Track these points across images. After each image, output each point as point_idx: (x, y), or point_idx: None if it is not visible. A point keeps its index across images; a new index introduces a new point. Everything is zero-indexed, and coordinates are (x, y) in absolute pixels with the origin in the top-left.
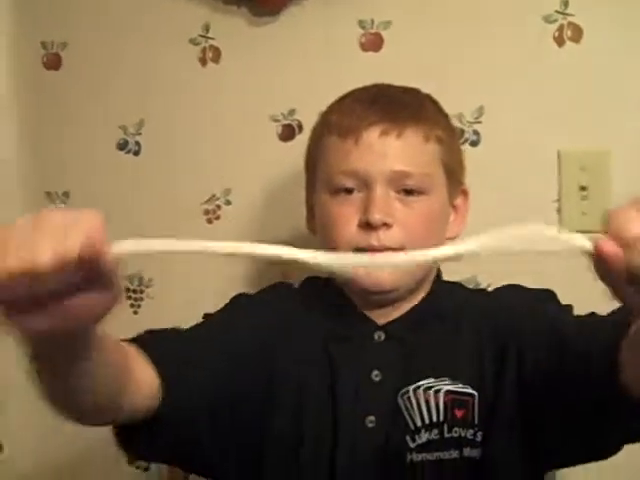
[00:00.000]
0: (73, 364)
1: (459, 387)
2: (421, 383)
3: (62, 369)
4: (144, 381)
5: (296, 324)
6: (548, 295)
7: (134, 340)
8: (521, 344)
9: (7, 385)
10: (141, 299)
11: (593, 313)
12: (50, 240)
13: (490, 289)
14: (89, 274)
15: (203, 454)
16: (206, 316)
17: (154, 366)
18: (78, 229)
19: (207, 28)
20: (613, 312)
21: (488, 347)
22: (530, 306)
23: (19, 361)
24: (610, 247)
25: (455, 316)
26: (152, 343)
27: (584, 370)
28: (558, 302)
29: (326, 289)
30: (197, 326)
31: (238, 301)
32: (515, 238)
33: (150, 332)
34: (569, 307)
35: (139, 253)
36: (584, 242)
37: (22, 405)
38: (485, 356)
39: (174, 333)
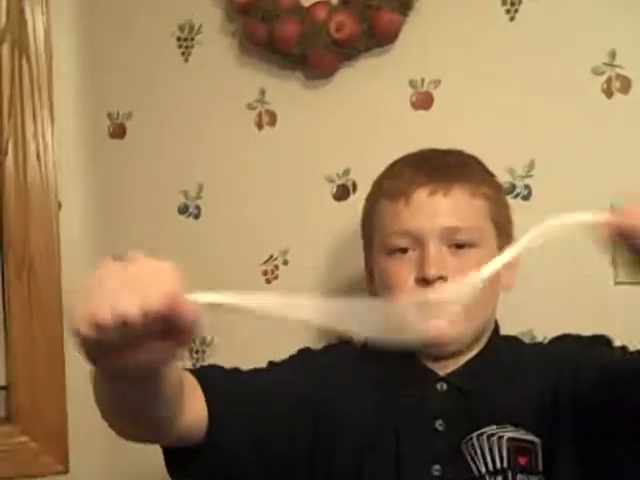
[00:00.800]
0: (139, 389)
1: (521, 434)
2: (484, 430)
3: (131, 393)
4: (195, 411)
5: (358, 381)
6: (602, 339)
7: (195, 371)
8: (575, 388)
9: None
10: (202, 359)
11: None
12: (134, 295)
13: (546, 341)
14: (169, 324)
15: None
16: (270, 363)
17: (207, 400)
18: (159, 284)
19: (263, 93)
20: None
21: (546, 393)
22: (583, 351)
23: None
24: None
25: (513, 367)
26: (211, 378)
27: (629, 406)
28: (612, 345)
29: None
30: (258, 371)
31: (303, 356)
32: (539, 235)
33: (212, 367)
34: (624, 347)
35: (212, 304)
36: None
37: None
38: (544, 402)
39: (234, 373)
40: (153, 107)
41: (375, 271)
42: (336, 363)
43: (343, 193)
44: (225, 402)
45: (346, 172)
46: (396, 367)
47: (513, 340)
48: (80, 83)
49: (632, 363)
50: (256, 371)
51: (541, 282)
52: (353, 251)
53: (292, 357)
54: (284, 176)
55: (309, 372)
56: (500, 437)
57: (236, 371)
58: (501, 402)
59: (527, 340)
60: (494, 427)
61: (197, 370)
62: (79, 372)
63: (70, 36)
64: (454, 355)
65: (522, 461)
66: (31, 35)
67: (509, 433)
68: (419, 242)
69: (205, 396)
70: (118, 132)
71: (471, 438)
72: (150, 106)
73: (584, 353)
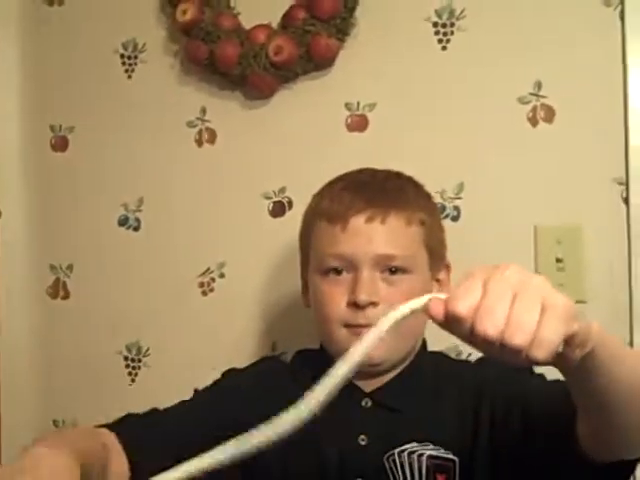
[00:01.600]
0: None
1: (441, 452)
2: (406, 447)
3: None
4: (117, 471)
5: (284, 396)
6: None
7: (113, 427)
8: (493, 412)
9: None
10: (139, 367)
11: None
12: None
13: (472, 358)
14: None
15: None
16: (195, 392)
17: (126, 453)
18: None
19: (204, 111)
20: None
21: (467, 414)
22: (505, 375)
23: None
24: (436, 310)
25: (438, 384)
26: (127, 429)
27: (544, 436)
28: (531, 371)
29: (316, 360)
30: (182, 404)
31: (228, 377)
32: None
33: (129, 419)
34: (541, 375)
35: None
36: (421, 300)
37: None
38: (465, 423)
39: (152, 419)
40: (95, 121)
41: (310, 288)
42: (263, 379)
43: (279, 210)
44: (145, 454)
45: (282, 190)
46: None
47: (440, 356)
48: (24, 96)
49: (549, 403)
50: (179, 405)
51: None
52: (288, 266)
53: (217, 381)
54: (222, 192)
55: (233, 396)
56: (420, 455)
57: (154, 415)
58: (424, 420)
59: (453, 355)
60: (415, 444)
61: (115, 426)
62: (14, 377)
63: (15, 50)
64: (382, 374)
65: (440, 478)
66: None
67: (429, 451)
68: (353, 266)
69: (125, 452)
70: (60, 144)
71: (393, 454)
72: (93, 120)
73: (505, 380)
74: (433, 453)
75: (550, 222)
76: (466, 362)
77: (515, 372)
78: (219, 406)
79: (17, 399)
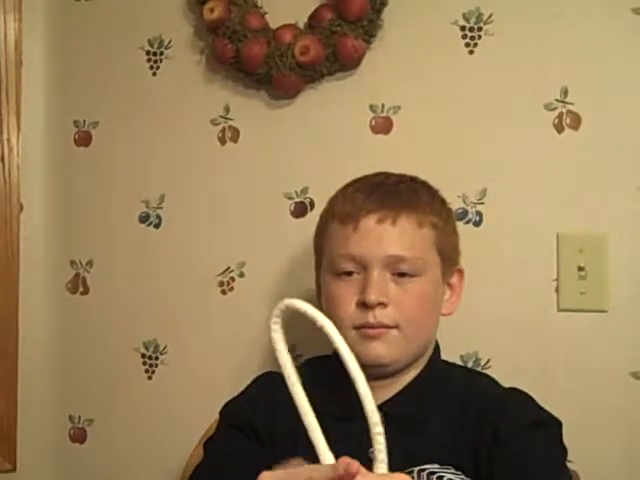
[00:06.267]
0: None
1: (461, 478)
2: (426, 467)
3: None
4: None
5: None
6: (553, 425)
7: None
8: (490, 454)
9: None
10: (156, 365)
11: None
12: None
13: (489, 364)
14: None
15: None
16: (205, 448)
17: None
18: None
19: (227, 109)
20: None
21: (484, 446)
22: (527, 426)
23: None
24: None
25: (457, 404)
26: None
27: None
28: (556, 439)
29: (325, 371)
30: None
31: (230, 415)
32: None
33: None
34: (562, 452)
35: None
36: None
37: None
38: (481, 453)
39: None
40: (119, 117)
41: (322, 289)
42: (266, 393)
43: (301, 210)
44: None
45: (304, 190)
46: (334, 395)
47: (456, 368)
48: (48, 90)
49: None
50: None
51: (487, 305)
52: (308, 267)
53: (219, 427)
54: (244, 191)
55: (248, 434)
56: (440, 477)
57: None
58: (445, 439)
59: (471, 363)
60: (437, 466)
61: None
62: (31, 372)
63: (41, 44)
64: (391, 376)
65: None
66: (2, 41)
67: (450, 475)
68: (364, 267)
69: None
70: (84, 140)
71: (412, 471)
72: (116, 116)
73: (520, 436)
74: (453, 477)
75: (573, 230)
76: (494, 382)
77: (541, 430)
78: (242, 457)
79: (34, 394)
